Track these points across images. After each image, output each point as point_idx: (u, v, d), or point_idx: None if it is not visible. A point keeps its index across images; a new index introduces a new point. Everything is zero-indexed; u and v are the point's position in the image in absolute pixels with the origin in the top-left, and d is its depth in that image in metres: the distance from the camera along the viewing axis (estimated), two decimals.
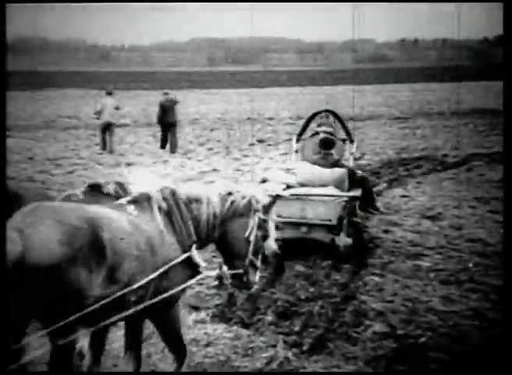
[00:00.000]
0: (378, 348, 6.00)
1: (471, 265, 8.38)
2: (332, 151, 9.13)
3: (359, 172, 9.44)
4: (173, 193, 4.67)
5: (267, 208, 4.92)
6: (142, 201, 4.59)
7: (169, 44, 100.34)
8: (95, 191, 5.03)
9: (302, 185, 8.57)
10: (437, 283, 7.73)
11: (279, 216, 7.01)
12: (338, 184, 8.53)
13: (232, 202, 4.82)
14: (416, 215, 10.93)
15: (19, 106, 29.11)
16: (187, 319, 6.48)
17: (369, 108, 30.36)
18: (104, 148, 18.55)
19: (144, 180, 5.10)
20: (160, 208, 4.58)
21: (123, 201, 4.62)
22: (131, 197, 4.65)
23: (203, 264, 4.67)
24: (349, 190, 8.70)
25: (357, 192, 8.58)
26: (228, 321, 6.58)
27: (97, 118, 18.53)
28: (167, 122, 18.48)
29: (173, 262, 4.45)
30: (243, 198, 4.85)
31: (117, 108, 18.48)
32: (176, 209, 4.61)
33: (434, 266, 8.34)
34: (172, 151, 18.42)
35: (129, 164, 16.46)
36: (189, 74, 59.26)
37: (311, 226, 8.18)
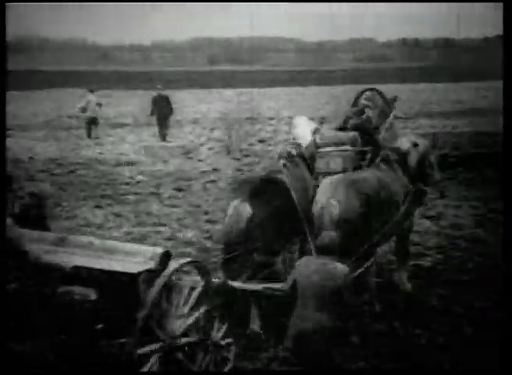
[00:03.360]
0: (378, 348, 6.01)
1: (470, 265, 8.38)
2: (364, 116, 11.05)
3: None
4: (395, 150, 7.47)
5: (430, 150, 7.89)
6: (390, 159, 7.34)
7: (169, 43, 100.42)
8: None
9: (326, 145, 10.08)
10: (437, 282, 7.73)
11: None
12: (352, 143, 9.99)
13: (420, 149, 7.62)
14: (416, 214, 10.90)
15: (19, 106, 29.08)
16: None
17: None
18: (89, 136, 20.90)
19: (302, 126, 7.87)
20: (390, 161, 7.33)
21: (377, 161, 7.35)
22: (381, 157, 7.39)
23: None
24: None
25: (367, 148, 10.04)
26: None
27: (81, 112, 20.96)
28: (161, 115, 20.24)
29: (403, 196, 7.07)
30: (424, 145, 7.74)
31: (99, 104, 20.88)
32: (399, 160, 7.38)
33: (434, 266, 8.34)
34: (164, 138, 20.33)
35: (129, 163, 16.46)
36: (189, 74, 59.30)
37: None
